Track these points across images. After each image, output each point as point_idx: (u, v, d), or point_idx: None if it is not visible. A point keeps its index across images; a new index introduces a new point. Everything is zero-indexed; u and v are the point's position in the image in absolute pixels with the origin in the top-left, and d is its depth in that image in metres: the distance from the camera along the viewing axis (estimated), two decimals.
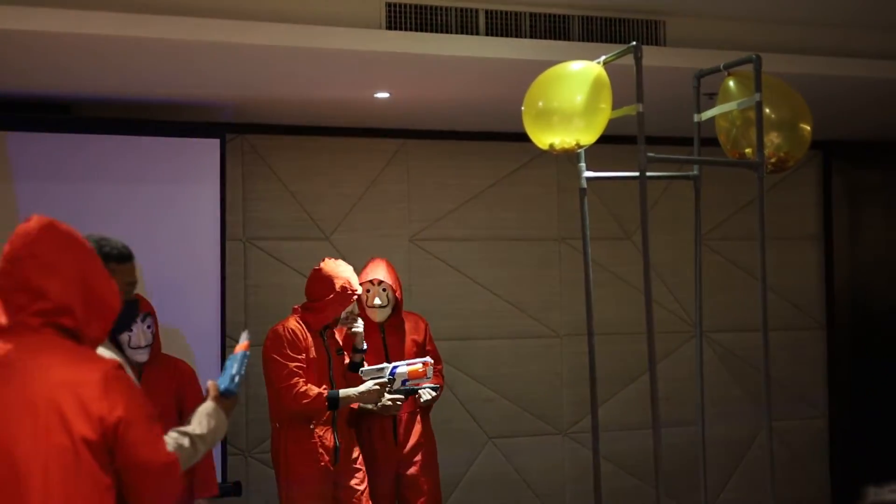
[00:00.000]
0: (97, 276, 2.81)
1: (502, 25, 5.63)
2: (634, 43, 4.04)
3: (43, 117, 6.25)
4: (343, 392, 5.45)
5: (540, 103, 4.13)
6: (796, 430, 8.12)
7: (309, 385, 5.43)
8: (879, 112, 7.19)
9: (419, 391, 5.73)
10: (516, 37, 5.63)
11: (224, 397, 3.12)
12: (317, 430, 5.47)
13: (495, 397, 7.38)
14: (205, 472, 5.37)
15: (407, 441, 5.84)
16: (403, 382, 5.57)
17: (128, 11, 5.01)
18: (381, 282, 5.90)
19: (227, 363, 3.25)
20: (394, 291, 5.90)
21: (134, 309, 3.35)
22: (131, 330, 5.00)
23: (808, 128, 4.37)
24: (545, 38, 5.67)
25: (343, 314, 5.57)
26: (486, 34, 5.61)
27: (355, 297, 5.54)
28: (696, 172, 4.55)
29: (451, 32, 5.55)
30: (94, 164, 6.21)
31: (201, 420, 3.02)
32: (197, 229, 6.40)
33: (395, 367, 5.50)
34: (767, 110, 4.24)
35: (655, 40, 5.83)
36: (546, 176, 7.61)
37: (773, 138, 4.25)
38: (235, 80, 5.95)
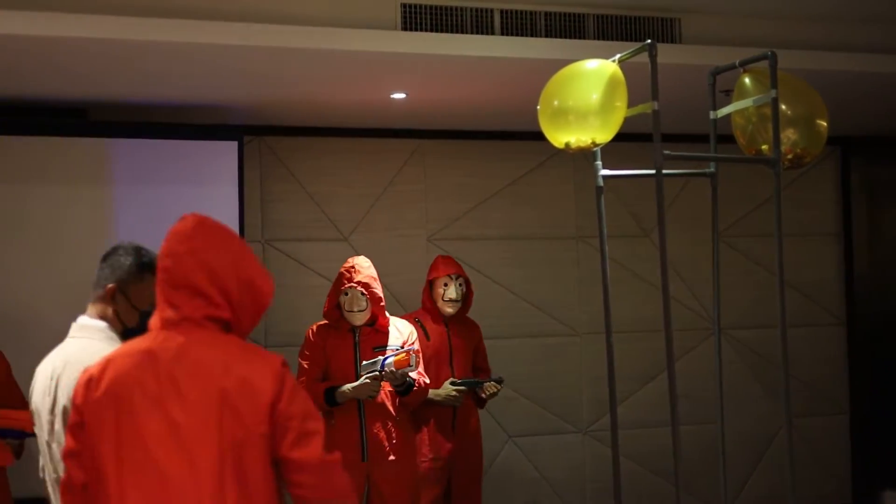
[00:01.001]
0: (252, 270, 2.85)
1: (518, 25, 5.64)
2: (649, 41, 4.04)
3: (61, 122, 6.29)
4: (340, 388, 5.42)
5: (555, 102, 4.12)
6: (817, 427, 8.09)
7: (313, 382, 5.46)
8: None
9: (483, 385, 5.89)
10: (532, 36, 5.63)
11: None
12: (341, 425, 5.47)
13: (515, 396, 7.38)
14: None
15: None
16: (386, 370, 5.46)
17: (144, 15, 5.04)
18: (459, 275, 6.00)
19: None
20: (469, 285, 6.05)
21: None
22: None
23: (825, 124, 4.35)
24: (560, 37, 5.68)
25: (346, 303, 5.53)
26: (502, 34, 5.61)
27: (350, 283, 5.51)
28: (712, 169, 4.55)
29: (467, 32, 5.56)
30: (112, 168, 6.24)
31: None
32: None
33: (384, 360, 5.45)
34: (783, 106, 4.23)
35: (671, 38, 5.82)
36: (563, 174, 7.61)
37: (789, 134, 4.24)
38: (252, 83, 5.97)
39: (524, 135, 7.21)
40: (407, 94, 6.30)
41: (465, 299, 6.07)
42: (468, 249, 7.40)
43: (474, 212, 7.45)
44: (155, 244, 6.05)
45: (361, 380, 5.39)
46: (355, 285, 5.48)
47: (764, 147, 4.34)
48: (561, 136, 4.15)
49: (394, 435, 5.52)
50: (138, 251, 3.37)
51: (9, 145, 6.09)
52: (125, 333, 3.37)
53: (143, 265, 3.37)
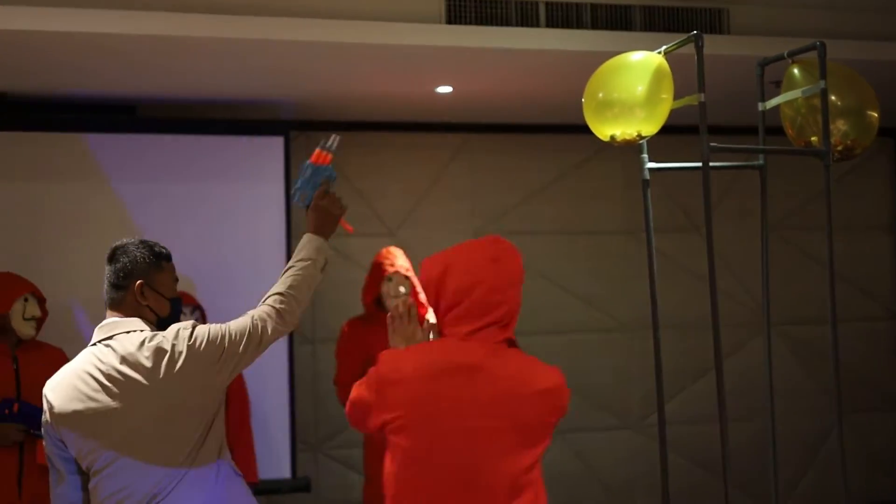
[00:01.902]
0: (521, 283, 3.00)
1: (563, 17, 5.60)
2: (696, 32, 3.98)
3: (110, 118, 6.33)
4: None
5: (600, 95, 4.07)
6: (872, 424, 7.98)
7: (355, 381, 5.46)
8: None
9: None
10: (577, 28, 5.59)
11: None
12: None
13: None
14: (245, 459, 5.42)
15: None
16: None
17: (192, 12, 5.06)
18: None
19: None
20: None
21: (181, 305, 3.48)
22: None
23: (875, 114, 4.25)
24: (606, 28, 5.63)
25: (390, 289, 5.52)
26: (547, 26, 5.57)
27: (393, 268, 5.51)
28: (761, 162, 4.47)
29: (512, 25, 5.53)
30: (160, 165, 6.28)
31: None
32: (263, 227, 6.45)
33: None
34: (833, 97, 4.14)
35: (719, 28, 5.75)
36: (611, 168, 7.56)
37: (839, 126, 4.15)
38: (299, 78, 5.98)
39: (572, 128, 7.12)
40: (453, 88, 6.27)
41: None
42: (516, 244, 7.30)
43: (521, 206, 7.41)
44: (200, 241, 6.11)
45: None
46: (398, 269, 5.50)
47: (813, 139, 4.26)
48: (606, 129, 4.10)
49: None
50: (147, 243, 3.40)
51: (59, 141, 6.14)
52: (159, 323, 3.39)
53: (159, 255, 3.41)
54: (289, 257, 6.36)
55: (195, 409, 3.26)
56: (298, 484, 6.44)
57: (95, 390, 3.24)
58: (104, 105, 6.37)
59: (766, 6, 5.85)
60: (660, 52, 4.10)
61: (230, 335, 3.30)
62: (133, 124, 6.36)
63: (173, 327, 3.30)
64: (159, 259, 3.40)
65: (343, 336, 5.78)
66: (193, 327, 3.30)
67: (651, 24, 5.68)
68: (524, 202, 7.42)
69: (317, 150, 3.49)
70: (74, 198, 6.14)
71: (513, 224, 7.39)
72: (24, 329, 4.88)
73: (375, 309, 5.61)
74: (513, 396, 2.83)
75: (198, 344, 3.25)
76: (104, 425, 3.24)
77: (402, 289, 5.53)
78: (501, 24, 5.52)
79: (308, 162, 3.66)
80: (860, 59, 5.57)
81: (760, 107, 4.40)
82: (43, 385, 4.88)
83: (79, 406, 3.25)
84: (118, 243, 3.42)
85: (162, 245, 3.45)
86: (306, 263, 3.50)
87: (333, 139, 3.54)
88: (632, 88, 4.01)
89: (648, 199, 4.26)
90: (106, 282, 3.39)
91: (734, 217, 7.64)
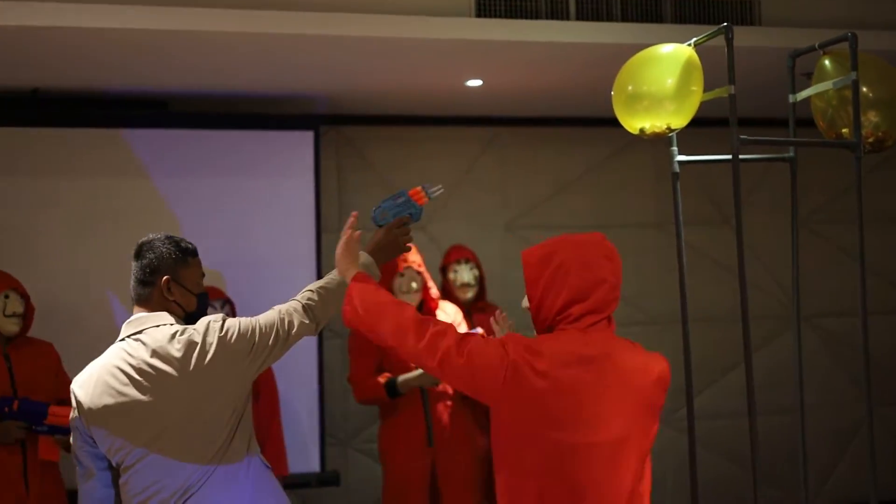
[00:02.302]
0: None
1: (593, 10, 5.59)
2: (726, 24, 3.97)
3: (142, 114, 6.37)
4: (401, 378, 5.41)
5: (629, 87, 4.06)
6: None
7: (369, 377, 5.50)
8: None
9: None
10: (607, 21, 5.57)
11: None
12: (406, 413, 5.49)
13: None
14: (275, 452, 5.43)
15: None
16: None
17: (222, 7, 5.08)
18: (468, 260, 6.04)
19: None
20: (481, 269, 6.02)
21: (207, 300, 3.49)
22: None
23: None
24: (636, 21, 5.61)
25: (402, 285, 5.52)
26: (577, 19, 5.56)
27: (406, 263, 5.49)
28: (791, 154, 4.45)
29: (542, 18, 5.52)
30: (191, 159, 6.31)
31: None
32: (293, 221, 6.47)
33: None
34: (864, 89, 4.11)
35: (750, 20, 5.73)
36: (642, 161, 7.53)
37: (870, 117, 4.13)
38: (328, 72, 5.99)
39: (602, 121, 7.11)
40: (483, 82, 6.27)
41: (481, 283, 6.04)
42: (546, 237, 7.28)
43: (552, 199, 7.40)
44: (231, 236, 6.13)
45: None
46: (411, 264, 5.50)
47: (844, 130, 4.24)
48: (635, 122, 4.09)
49: (458, 416, 5.53)
50: (173, 239, 3.41)
51: (91, 137, 6.19)
52: (186, 318, 3.40)
53: (185, 250, 3.41)
54: (319, 250, 6.45)
55: (225, 403, 3.28)
56: (327, 477, 6.47)
57: (125, 384, 3.26)
58: (136, 100, 6.41)
59: None
60: (689, 45, 4.09)
61: (260, 328, 3.31)
62: (165, 119, 6.39)
63: (203, 320, 3.32)
64: (185, 254, 3.41)
65: (356, 332, 5.73)
66: (224, 320, 3.31)
67: (681, 16, 5.66)
68: (554, 195, 7.41)
69: (419, 188, 3.54)
70: (109, 193, 6.18)
71: (543, 217, 7.38)
72: (6, 326, 4.83)
73: None
74: (640, 382, 2.99)
75: (229, 336, 3.27)
76: (135, 421, 3.25)
77: (413, 284, 5.53)
78: (531, 18, 5.51)
79: (404, 191, 3.69)
80: (892, 50, 5.54)
81: (791, 98, 4.38)
82: (36, 380, 4.87)
83: (109, 401, 3.26)
84: (144, 239, 3.43)
85: (188, 240, 3.46)
86: None
87: (438, 188, 3.60)
88: (661, 81, 4.00)
89: (678, 191, 4.26)
90: (133, 278, 3.41)
91: (766, 210, 7.60)
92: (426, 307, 5.55)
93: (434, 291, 5.65)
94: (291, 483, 5.96)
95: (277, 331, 3.33)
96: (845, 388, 7.76)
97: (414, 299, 5.48)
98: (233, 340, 3.26)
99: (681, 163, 4.24)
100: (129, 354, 3.29)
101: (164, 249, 3.38)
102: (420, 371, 5.34)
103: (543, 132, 7.43)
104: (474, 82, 6.28)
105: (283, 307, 3.39)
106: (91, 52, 5.37)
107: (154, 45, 5.30)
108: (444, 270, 6.07)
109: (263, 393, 5.59)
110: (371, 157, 7.14)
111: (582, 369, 2.92)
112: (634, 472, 2.93)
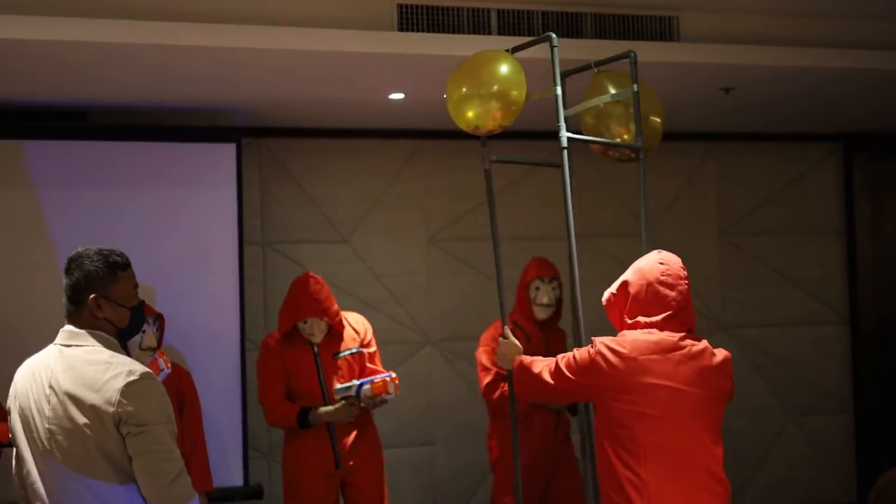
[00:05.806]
0: None
1: (514, 24, 5.63)
2: (549, 33, 4.36)
3: (60, 125, 6.29)
4: (321, 410, 5.42)
5: (463, 90, 4.36)
6: (821, 426, 8.06)
7: (281, 401, 5.51)
8: None
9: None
10: (529, 35, 5.62)
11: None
12: (311, 438, 5.50)
13: None
14: (200, 468, 5.41)
15: None
16: (363, 397, 5.40)
17: (142, 19, 5.04)
18: (553, 278, 6.03)
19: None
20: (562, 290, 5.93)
21: (143, 312, 3.43)
22: (143, 332, 5.10)
23: (659, 120, 4.65)
24: (559, 36, 5.66)
25: (304, 330, 5.49)
26: (499, 34, 5.60)
27: (308, 315, 5.48)
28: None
29: (464, 32, 5.55)
30: (111, 172, 6.24)
31: None
32: (215, 234, 6.43)
33: (360, 384, 5.40)
34: (622, 108, 4.57)
35: (669, 35, 5.80)
36: (559, 174, 7.56)
37: (631, 128, 4.56)
38: (250, 85, 5.96)
39: (524, 134, 7.19)
40: (405, 95, 6.29)
41: (557, 304, 6.01)
42: (469, 250, 7.38)
43: (474, 212, 7.42)
44: (153, 248, 6.05)
45: (338, 404, 5.40)
46: (314, 317, 5.47)
47: (625, 136, 4.64)
48: (467, 122, 4.40)
49: (362, 436, 5.58)
50: (102, 253, 3.35)
51: (10, 148, 6.10)
52: (120, 333, 3.37)
53: (114, 265, 3.35)
54: (241, 262, 6.40)
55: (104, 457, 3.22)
56: (251, 491, 6.43)
57: (39, 388, 3.30)
58: (54, 112, 6.32)
59: (715, 13, 5.90)
60: (508, 51, 4.41)
61: (155, 439, 3.22)
62: (84, 131, 6.31)
63: (124, 369, 3.24)
64: (114, 269, 3.35)
65: (267, 351, 5.60)
66: (137, 382, 3.22)
67: (601, 31, 5.72)
68: (477, 208, 7.43)
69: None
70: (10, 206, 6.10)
71: (465, 230, 7.40)
72: None
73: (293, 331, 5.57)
74: (719, 368, 3.79)
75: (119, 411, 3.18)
76: (32, 425, 3.29)
77: (320, 327, 5.48)
78: (453, 32, 5.54)
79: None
80: (807, 66, 5.65)
81: (564, 114, 4.61)
82: None
83: (24, 401, 3.34)
84: (73, 254, 3.38)
85: (119, 252, 3.40)
86: None
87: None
88: (488, 84, 4.30)
89: (493, 191, 4.76)
90: (63, 294, 3.38)
91: (683, 221, 7.71)
92: (334, 330, 5.54)
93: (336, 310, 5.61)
94: (215, 497, 5.91)
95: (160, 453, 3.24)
96: (763, 396, 7.87)
97: (319, 337, 5.50)
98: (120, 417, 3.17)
99: (493, 161, 4.61)
100: (44, 365, 3.33)
101: (92, 267, 3.33)
102: (334, 408, 5.39)
103: (465, 145, 7.43)
104: (397, 95, 6.29)
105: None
106: (9, 62, 5.30)
107: (73, 56, 5.24)
108: (525, 285, 6.01)
109: (188, 407, 5.55)
110: (294, 170, 7.12)
111: (681, 362, 3.79)
112: (716, 443, 3.79)
